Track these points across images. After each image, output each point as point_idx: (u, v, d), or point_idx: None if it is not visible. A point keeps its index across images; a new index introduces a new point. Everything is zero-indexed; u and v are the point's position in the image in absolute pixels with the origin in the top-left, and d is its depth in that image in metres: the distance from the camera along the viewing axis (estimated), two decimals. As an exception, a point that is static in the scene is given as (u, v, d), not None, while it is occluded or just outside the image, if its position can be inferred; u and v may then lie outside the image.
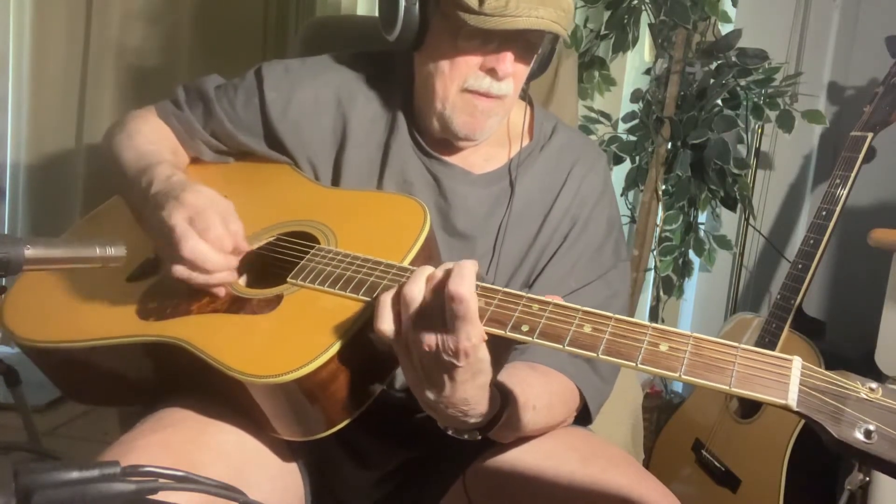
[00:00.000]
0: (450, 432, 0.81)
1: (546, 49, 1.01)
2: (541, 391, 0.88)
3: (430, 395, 0.75)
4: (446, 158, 1.04)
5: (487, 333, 0.71)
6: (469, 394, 0.74)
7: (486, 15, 0.88)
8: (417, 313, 0.71)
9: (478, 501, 0.88)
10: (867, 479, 1.41)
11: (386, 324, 0.73)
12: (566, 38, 0.93)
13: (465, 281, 0.68)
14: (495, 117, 0.99)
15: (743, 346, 0.63)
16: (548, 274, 1.01)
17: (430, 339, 0.70)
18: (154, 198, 0.90)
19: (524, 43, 0.95)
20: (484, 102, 0.97)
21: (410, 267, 0.82)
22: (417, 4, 0.95)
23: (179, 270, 0.83)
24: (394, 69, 1.07)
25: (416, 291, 0.72)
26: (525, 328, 0.70)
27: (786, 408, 0.60)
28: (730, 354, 0.63)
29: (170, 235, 0.82)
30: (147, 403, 0.93)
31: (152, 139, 1.05)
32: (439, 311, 0.70)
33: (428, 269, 0.73)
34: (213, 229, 0.83)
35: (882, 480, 1.42)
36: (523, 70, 0.98)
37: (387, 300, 0.74)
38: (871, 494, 1.44)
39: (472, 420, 0.78)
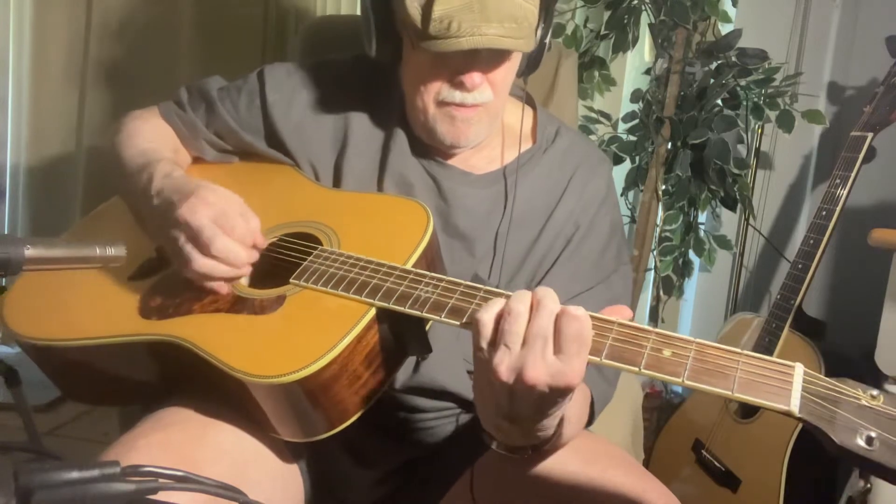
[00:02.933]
0: (493, 445, 0.78)
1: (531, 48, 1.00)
2: (572, 402, 0.87)
3: (504, 420, 0.70)
4: (446, 160, 1.04)
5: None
6: (547, 422, 0.71)
7: (431, 38, 0.86)
8: (528, 338, 0.66)
9: (482, 500, 0.88)
10: (868, 486, 1.40)
11: (487, 344, 0.67)
12: (523, 50, 0.91)
13: (581, 312, 0.65)
14: (479, 123, 0.98)
15: (745, 352, 0.64)
16: (551, 278, 1.01)
17: (538, 368, 0.65)
18: (159, 195, 0.90)
19: (488, 54, 0.92)
20: (461, 112, 0.96)
21: (413, 269, 0.83)
22: (387, 23, 0.95)
23: (207, 265, 0.84)
24: (394, 72, 1.07)
25: (524, 309, 0.66)
26: None
27: (788, 414, 0.60)
28: (732, 360, 0.63)
29: (197, 234, 0.84)
30: (147, 403, 0.93)
31: (152, 138, 1.05)
32: (550, 336, 0.65)
33: (527, 293, 0.68)
34: (239, 228, 0.85)
35: (882, 488, 1.41)
36: (501, 75, 0.96)
37: (489, 320, 0.67)
38: (871, 502, 1.43)
39: (533, 443, 0.75)
